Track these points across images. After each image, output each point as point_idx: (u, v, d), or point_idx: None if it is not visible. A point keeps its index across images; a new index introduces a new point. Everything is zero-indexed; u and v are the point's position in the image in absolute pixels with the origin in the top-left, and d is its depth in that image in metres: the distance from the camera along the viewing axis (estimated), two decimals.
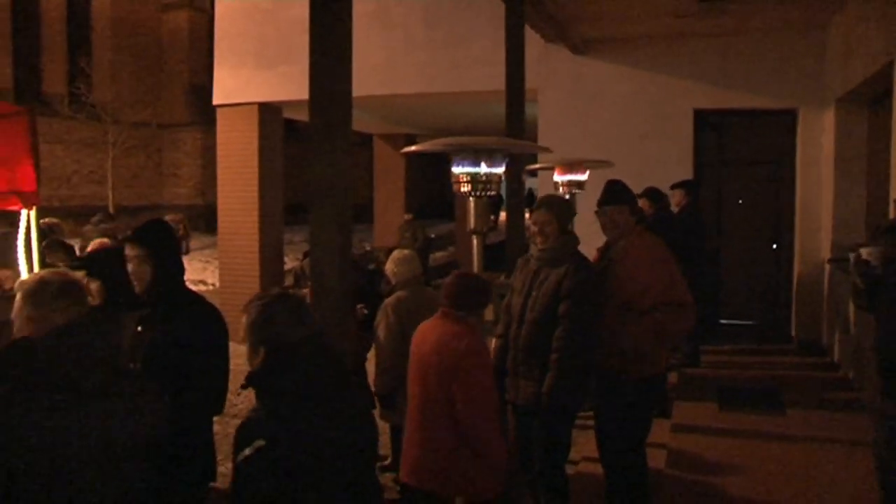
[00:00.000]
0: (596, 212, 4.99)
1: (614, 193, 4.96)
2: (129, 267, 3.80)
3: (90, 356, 2.51)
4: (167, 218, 16.36)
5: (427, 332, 4.26)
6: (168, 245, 3.85)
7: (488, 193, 4.90)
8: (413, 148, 4.94)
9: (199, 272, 18.17)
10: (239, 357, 3.37)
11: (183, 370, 3.61)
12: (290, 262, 15.26)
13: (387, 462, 6.68)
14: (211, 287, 15.98)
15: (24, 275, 4.35)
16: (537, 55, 9.65)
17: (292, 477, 2.47)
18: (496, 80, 7.62)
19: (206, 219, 25.75)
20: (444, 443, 4.06)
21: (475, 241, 5.00)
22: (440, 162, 27.78)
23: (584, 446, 6.04)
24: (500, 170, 4.88)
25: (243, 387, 2.63)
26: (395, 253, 6.30)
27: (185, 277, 3.98)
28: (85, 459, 2.44)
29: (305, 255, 8.08)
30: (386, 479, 6.43)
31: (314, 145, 3.51)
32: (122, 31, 28.52)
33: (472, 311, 4.26)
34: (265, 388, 2.58)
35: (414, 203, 18.69)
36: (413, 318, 5.70)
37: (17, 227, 4.45)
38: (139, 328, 3.80)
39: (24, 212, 4.24)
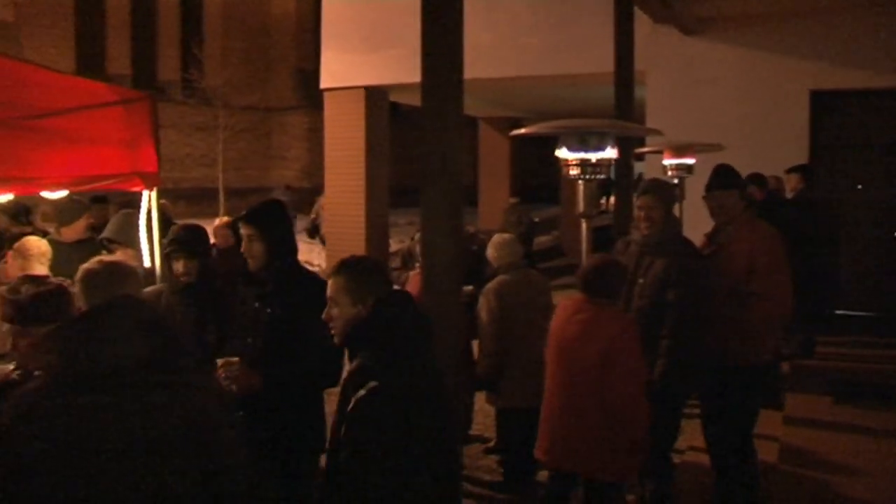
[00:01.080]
0: (704, 196, 4.89)
1: (723, 177, 4.85)
2: (242, 245, 3.91)
3: (112, 345, 2.39)
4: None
5: (569, 319, 4.26)
6: (279, 224, 3.95)
7: (598, 177, 4.83)
8: (522, 131, 4.90)
9: (305, 253, 18.46)
10: None
11: (298, 344, 3.73)
12: (394, 245, 15.39)
13: (491, 444, 6.68)
14: (317, 268, 16.25)
15: (146, 253, 4.51)
16: (646, 36, 9.45)
17: (402, 418, 2.66)
18: (603, 62, 7.50)
19: (312, 201, 26.24)
20: (592, 427, 4.08)
21: (584, 225, 4.94)
22: (545, 145, 27.57)
23: (691, 435, 5.92)
24: (611, 153, 4.80)
25: (344, 341, 2.92)
26: (495, 237, 6.28)
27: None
28: (111, 455, 2.33)
29: (413, 237, 8.13)
30: (490, 461, 6.45)
31: (426, 128, 3.51)
32: (232, 18, 29.22)
33: (611, 297, 4.25)
34: (370, 337, 2.80)
35: (518, 186, 18.61)
36: (516, 302, 5.67)
37: (139, 207, 4.61)
38: (257, 304, 3.92)
39: (145, 192, 4.38)
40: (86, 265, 2.78)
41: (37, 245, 4.80)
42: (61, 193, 4.62)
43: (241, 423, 2.89)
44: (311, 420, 3.94)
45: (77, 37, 24.88)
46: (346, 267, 3.03)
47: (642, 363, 4.20)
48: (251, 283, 3.99)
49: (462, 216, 3.72)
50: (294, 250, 4.01)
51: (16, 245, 4.86)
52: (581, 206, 4.89)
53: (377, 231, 12.43)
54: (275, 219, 3.95)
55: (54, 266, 4.97)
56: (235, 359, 3.71)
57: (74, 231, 5.86)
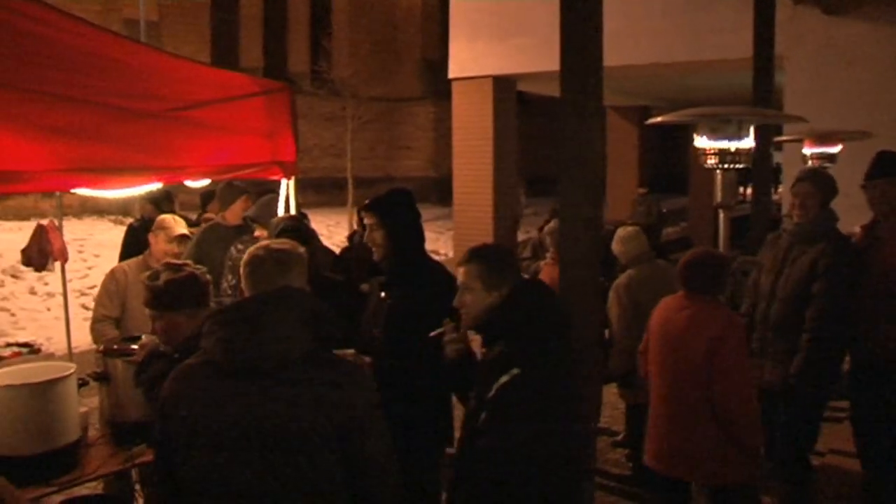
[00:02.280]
0: (863, 185, 4.59)
1: (888, 164, 4.55)
2: (366, 235, 3.92)
3: (277, 338, 2.42)
4: None
5: (671, 316, 4.15)
6: (403, 213, 3.91)
7: (736, 166, 4.68)
8: (658, 119, 4.80)
9: (432, 242, 18.69)
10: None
11: (422, 336, 3.64)
12: (521, 235, 15.37)
13: (619, 438, 6.60)
14: (444, 257, 16.39)
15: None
16: (785, 18, 9.05)
17: (542, 406, 2.68)
18: (739, 47, 7.24)
19: (437, 191, 26.46)
20: (699, 429, 3.95)
21: (721, 216, 4.79)
22: (674, 134, 26.96)
23: (832, 438, 5.66)
24: (750, 142, 4.64)
25: (478, 328, 2.96)
26: (620, 231, 6.15)
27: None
28: (245, 443, 2.40)
29: (541, 228, 8.08)
30: (618, 454, 6.38)
31: (564, 116, 3.46)
32: (360, 10, 29.71)
33: (712, 291, 4.12)
34: (509, 324, 2.82)
35: (647, 176, 18.27)
36: (647, 295, 5.55)
37: (278, 194, 4.74)
38: (382, 294, 3.93)
39: (283, 181, 4.49)
40: (252, 250, 2.74)
41: (171, 217, 5.06)
42: (204, 182, 4.80)
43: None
44: (437, 412, 3.91)
45: (213, 32, 25.82)
46: (478, 254, 3.02)
47: (747, 362, 4.06)
48: (376, 273, 4.00)
49: (601, 206, 3.66)
50: (420, 240, 3.96)
51: (155, 223, 5.13)
52: (718, 196, 4.73)
53: (505, 221, 12.41)
54: (398, 207, 3.92)
55: (218, 249, 5.18)
56: (350, 351, 3.67)
57: (234, 214, 6.13)
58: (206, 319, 2.57)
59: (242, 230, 6.05)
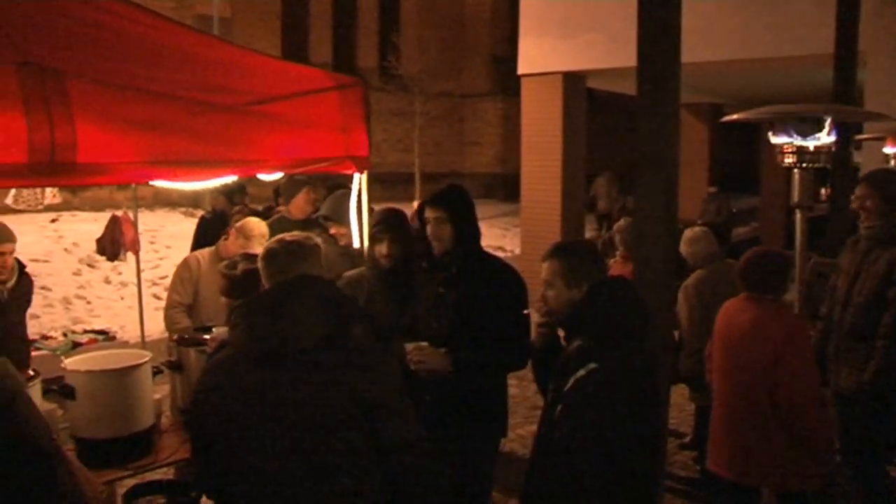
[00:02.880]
0: None
1: None
2: (429, 228, 3.92)
3: (296, 324, 2.51)
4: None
5: (734, 319, 4.09)
6: (466, 208, 3.95)
7: (815, 165, 4.56)
8: (734, 117, 4.70)
9: (499, 239, 18.66)
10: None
11: (483, 330, 3.72)
12: (588, 232, 15.26)
13: (687, 440, 6.51)
14: (510, 253, 16.36)
15: (355, 233, 4.66)
16: (868, 13, 8.79)
17: (619, 400, 2.71)
18: (820, 42, 7.05)
19: (504, 187, 26.39)
20: (765, 434, 3.89)
21: (798, 217, 4.67)
22: (746, 133, 26.44)
23: None
24: (829, 140, 4.52)
25: (560, 323, 3.01)
26: (687, 232, 6.06)
27: (485, 243, 4.09)
28: (276, 429, 2.48)
29: (609, 225, 8.01)
30: (685, 456, 6.30)
31: (640, 114, 3.42)
32: (428, 6, 29.76)
33: (773, 292, 4.05)
34: (589, 320, 2.86)
35: (717, 175, 17.97)
36: (716, 296, 5.46)
37: (349, 189, 4.77)
38: (441, 289, 3.93)
39: (356, 175, 4.51)
40: (267, 244, 2.89)
41: (258, 226, 5.11)
42: (277, 175, 4.85)
43: (427, 406, 2.93)
44: (494, 406, 3.95)
45: (283, 28, 26.13)
46: (561, 250, 3.08)
47: (813, 364, 3.99)
48: (435, 267, 4.01)
49: (676, 205, 3.60)
50: (478, 235, 3.99)
51: (237, 225, 5.18)
52: (796, 196, 4.62)
53: (572, 218, 12.31)
54: (462, 202, 3.95)
55: None
56: (424, 343, 3.76)
57: (297, 207, 6.21)
58: (231, 312, 2.70)
59: (309, 224, 6.11)
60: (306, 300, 2.54)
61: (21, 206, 8.29)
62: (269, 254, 2.83)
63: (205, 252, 5.31)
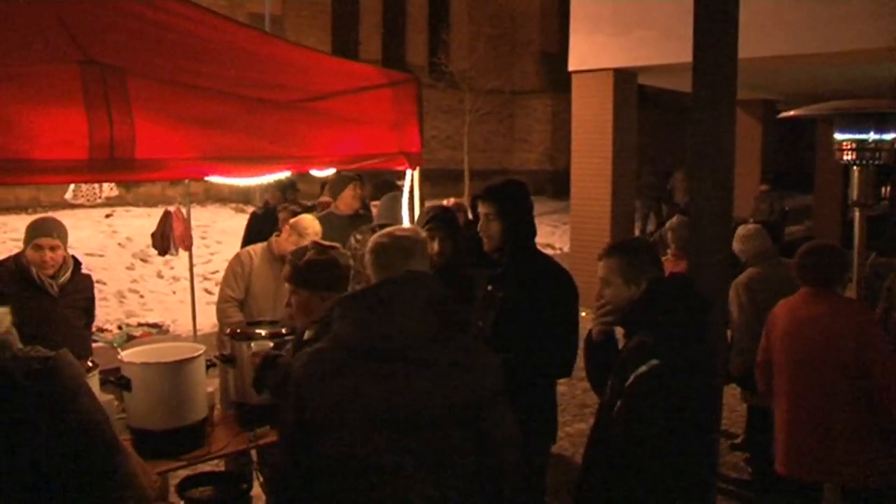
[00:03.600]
0: None
1: None
2: (479, 224, 3.86)
3: (406, 321, 2.51)
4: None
5: (801, 316, 4.01)
6: (519, 204, 3.85)
7: (875, 162, 4.47)
8: (791, 113, 4.62)
9: (547, 236, 18.61)
10: (584, 321, 3.41)
11: (531, 330, 3.64)
12: (637, 230, 15.14)
13: (738, 440, 6.42)
14: (558, 251, 16.31)
15: None
16: None
17: (679, 397, 2.69)
18: (877, 36, 6.88)
19: (553, 184, 26.27)
20: (842, 429, 3.82)
21: (857, 214, 4.57)
22: (800, 130, 26.02)
23: None
24: (891, 136, 4.43)
25: (621, 320, 2.99)
26: (740, 229, 5.96)
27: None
28: (379, 423, 2.47)
29: (660, 223, 7.93)
30: (736, 457, 6.22)
31: (696, 111, 3.37)
32: (478, 3, 29.71)
33: (831, 284, 3.98)
34: (649, 317, 2.84)
35: (770, 173, 17.69)
36: (768, 295, 5.37)
37: (399, 192, 4.78)
38: (490, 287, 3.87)
39: (408, 171, 4.53)
40: (376, 238, 2.85)
41: (311, 224, 5.14)
42: (329, 171, 4.88)
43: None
44: (542, 407, 3.85)
45: (333, 25, 26.28)
46: (618, 248, 3.06)
47: (892, 351, 3.88)
48: (484, 264, 3.96)
49: (731, 202, 3.55)
50: (532, 233, 3.90)
51: (292, 221, 5.22)
52: (855, 194, 4.53)
53: (622, 216, 12.21)
54: (515, 198, 3.85)
55: (331, 238, 5.31)
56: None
57: (344, 202, 6.25)
58: (336, 303, 2.66)
59: (357, 219, 6.14)
60: (417, 297, 2.53)
61: (79, 201, 8.45)
62: (379, 248, 2.80)
63: (257, 248, 5.36)
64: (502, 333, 3.72)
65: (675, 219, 6.43)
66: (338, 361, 2.55)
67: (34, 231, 4.60)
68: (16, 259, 4.67)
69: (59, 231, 4.64)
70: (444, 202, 8.04)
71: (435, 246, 4.14)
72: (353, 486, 2.50)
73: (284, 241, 5.14)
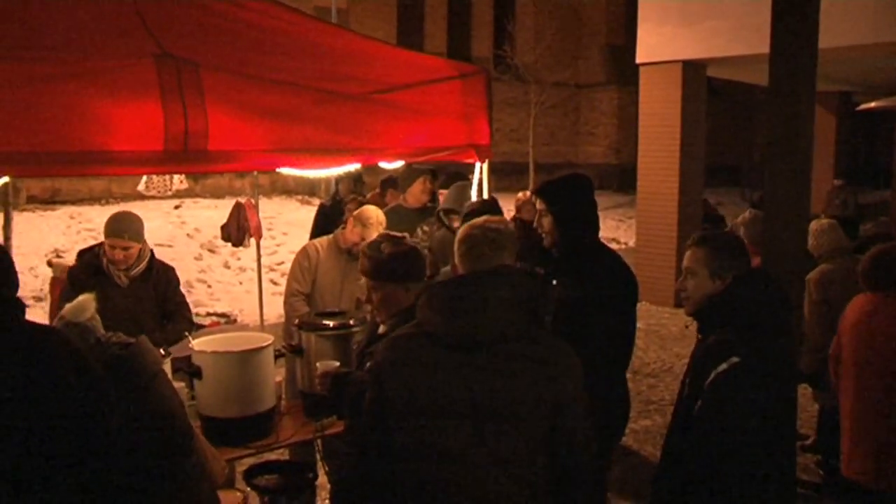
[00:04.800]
0: None
1: None
2: (536, 219, 3.85)
3: (494, 314, 2.49)
4: None
5: (871, 317, 3.90)
6: (574, 199, 3.79)
7: None
8: (872, 105, 4.50)
9: (612, 230, 18.44)
10: (651, 317, 3.35)
11: (589, 326, 3.58)
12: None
13: (808, 442, 6.28)
14: (623, 246, 16.14)
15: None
16: None
17: (761, 396, 2.65)
18: None
19: (619, 178, 26.05)
20: None
21: None
22: (876, 123, 25.36)
23: None
24: None
25: (697, 314, 2.94)
26: (814, 224, 5.80)
27: (599, 235, 3.92)
28: (458, 412, 2.48)
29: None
30: (807, 459, 6.08)
31: (774, 103, 3.28)
32: None
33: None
34: (729, 312, 2.81)
35: (844, 167, 17.27)
36: (840, 292, 5.24)
37: (468, 182, 4.78)
38: (553, 282, 3.82)
39: (477, 164, 4.52)
40: (465, 229, 2.82)
41: (375, 214, 5.16)
42: (398, 163, 4.89)
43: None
44: (608, 402, 3.73)
45: (398, 18, 26.39)
46: (707, 239, 2.99)
47: None
48: (545, 259, 3.91)
49: (809, 198, 3.45)
50: (592, 227, 3.83)
51: (355, 213, 5.24)
52: None
53: (690, 211, 12.01)
54: (568, 193, 3.80)
55: (399, 231, 5.32)
56: None
57: (413, 196, 6.26)
58: (423, 292, 2.66)
59: (425, 213, 6.14)
60: (506, 291, 2.52)
61: (151, 193, 8.62)
62: (469, 239, 2.77)
63: (323, 241, 5.39)
64: (560, 329, 3.63)
65: (747, 213, 6.30)
66: (421, 349, 2.57)
67: (108, 230, 4.69)
68: (92, 248, 4.82)
69: (130, 232, 4.71)
70: (520, 195, 8.01)
71: None
72: (424, 474, 2.52)
73: (349, 233, 5.17)
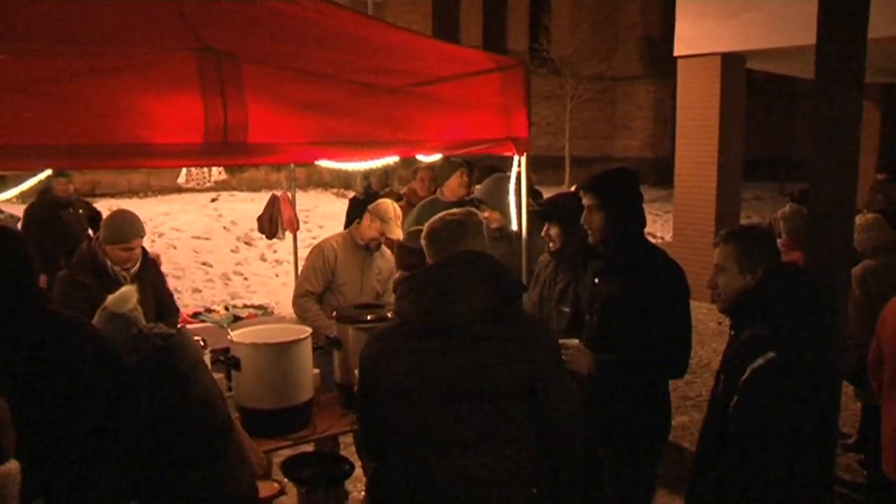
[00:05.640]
0: None
1: None
2: (583, 216, 3.77)
3: (461, 298, 2.60)
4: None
5: None
6: (623, 195, 3.71)
7: None
8: None
9: (649, 225, 18.09)
10: (698, 312, 3.30)
11: (639, 326, 3.51)
12: (742, 219, 14.73)
13: (851, 441, 6.19)
14: (660, 240, 16.02)
15: (513, 217, 4.65)
16: None
17: (798, 391, 2.64)
18: None
19: (655, 172, 25.83)
20: None
21: None
22: None
23: None
24: None
25: (729, 310, 2.94)
26: (858, 218, 5.71)
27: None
28: (438, 396, 2.60)
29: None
30: (849, 458, 6.00)
31: (820, 95, 3.22)
32: None
33: None
34: (761, 308, 2.79)
35: (887, 162, 16.96)
36: (884, 288, 5.16)
37: (505, 174, 4.75)
38: (596, 280, 3.77)
39: (515, 157, 4.50)
40: (429, 223, 2.96)
41: (392, 208, 5.16)
42: (436, 156, 4.88)
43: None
44: (653, 408, 3.72)
45: (434, 11, 26.38)
46: (736, 235, 2.99)
47: None
48: (592, 256, 3.87)
49: (854, 193, 3.38)
50: (639, 224, 3.74)
51: (371, 207, 5.23)
52: None
53: (728, 205, 11.87)
54: (617, 188, 3.72)
55: None
56: (574, 341, 3.61)
57: (450, 189, 6.25)
58: (397, 284, 2.80)
59: (462, 206, 6.13)
60: (470, 275, 2.63)
61: (190, 185, 8.72)
62: (432, 232, 2.92)
63: (337, 238, 5.35)
64: (608, 329, 3.64)
65: (787, 207, 6.22)
66: (399, 339, 2.70)
67: (115, 237, 4.61)
68: (89, 246, 4.72)
69: (137, 232, 4.69)
70: (571, 189, 7.98)
71: (552, 233, 4.27)
72: (416, 458, 2.63)
73: (367, 229, 5.17)
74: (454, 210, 3.06)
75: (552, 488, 2.74)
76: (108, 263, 4.61)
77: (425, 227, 2.97)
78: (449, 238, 2.85)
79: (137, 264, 4.75)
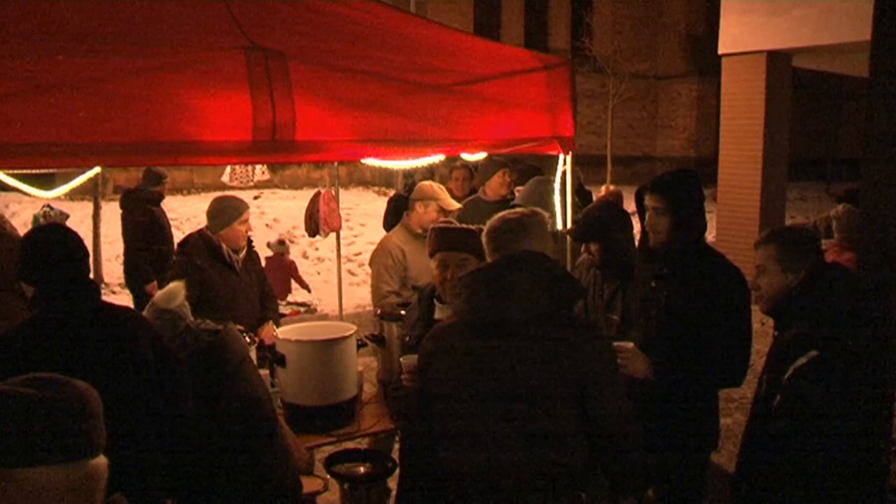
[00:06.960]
0: None
1: None
2: (647, 217, 3.68)
3: (517, 298, 2.58)
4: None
5: None
6: (690, 198, 3.63)
7: None
8: None
9: None
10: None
11: (699, 333, 3.44)
12: (787, 219, 14.54)
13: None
14: None
15: (558, 216, 4.63)
16: None
17: (843, 390, 2.62)
18: None
19: (697, 171, 25.58)
20: None
21: None
22: None
23: None
24: None
25: (772, 311, 2.93)
26: None
27: None
28: (487, 395, 2.58)
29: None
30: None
31: (873, 90, 3.16)
32: None
33: None
34: (804, 307, 2.78)
35: None
36: None
37: (544, 176, 4.74)
38: (653, 283, 3.70)
39: (560, 156, 4.48)
40: (490, 221, 2.94)
41: (434, 185, 5.31)
42: (480, 155, 4.88)
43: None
44: (708, 413, 3.67)
45: (475, 9, 26.35)
46: (777, 235, 2.98)
47: None
48: (650, 259, 3.76)
49: None
50: (702, 229, 3.65)
51: (415, 196, 5.32)
52: None
53: (772, 205, 11.71)
54: (685, 191, 3.63)
55: (478, 223, 5.35)
56: (630, 344, 3.53)
57: (492, 188, 6.26)
58: (456, 282, 2.82)
59: (503, 206, 6.11)
60: (527, 275, 2.61)
61: (234, 183, 8.80)
62: (491, 231, 2.89)
63: (393, 236, 5.37)
64: (664, 335, 3.56)
65: (840, 207, 6.10)
66: (455, 336, 2.71)
67: (235, 212, 4.88)
68: (200, 234, 4.95)
69: (244, 206, 4.97)
70: (603, 189, 7.93)
71: (590, 247, 4.30)
72: (461, 453, 2.63)
73: (423, 215, 5.19)
74: (517, 209, 3.00)
75: (610, 493, 2.71)
76: (224, 248, 4.84)
77: (486, 225, 2.94)
78: (508, 237, 2.82)
79: (244, 251, 4.93)
